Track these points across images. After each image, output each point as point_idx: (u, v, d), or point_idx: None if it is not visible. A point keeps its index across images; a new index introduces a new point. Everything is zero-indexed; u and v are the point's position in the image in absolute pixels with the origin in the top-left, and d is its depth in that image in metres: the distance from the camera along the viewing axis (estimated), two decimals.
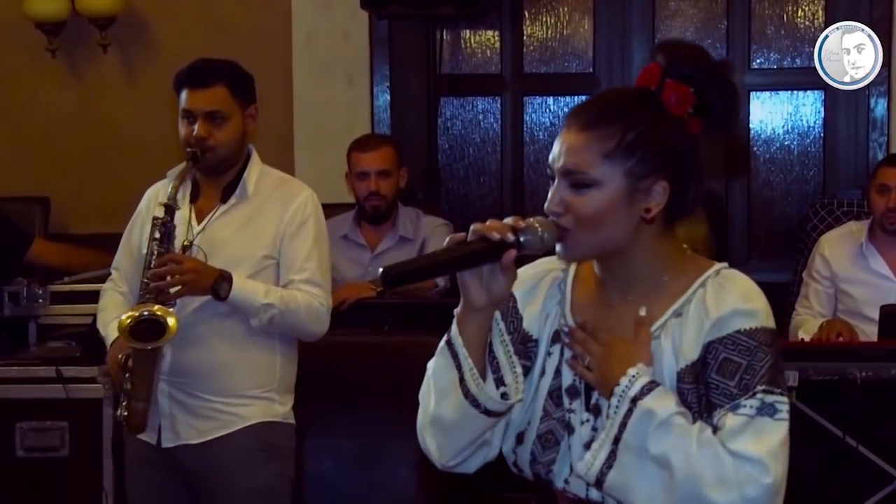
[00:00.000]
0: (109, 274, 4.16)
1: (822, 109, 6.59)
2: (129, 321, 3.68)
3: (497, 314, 2.24)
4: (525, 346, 2.30)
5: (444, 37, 6.64)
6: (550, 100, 6.76)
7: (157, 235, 3.77)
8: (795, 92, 6.62)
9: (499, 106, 6.80)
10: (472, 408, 2.19)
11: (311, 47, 6.53)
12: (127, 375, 3.77)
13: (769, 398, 2.11)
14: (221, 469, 3.87)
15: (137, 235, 4.00)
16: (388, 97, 6.59)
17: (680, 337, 2.18)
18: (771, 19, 6.62)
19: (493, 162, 6.83)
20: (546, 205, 2.21)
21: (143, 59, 6.68)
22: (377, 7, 6.16)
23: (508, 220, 2.17)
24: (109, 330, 3.92)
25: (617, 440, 2.12)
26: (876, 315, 4.94)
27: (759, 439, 2.08)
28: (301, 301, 3.85)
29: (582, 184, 2.17)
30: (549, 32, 6.75)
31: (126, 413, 3.79)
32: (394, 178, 5.53)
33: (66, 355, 4.89)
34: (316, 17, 6.53)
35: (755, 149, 6.66)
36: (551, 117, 6.76)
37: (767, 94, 6.66)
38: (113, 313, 3.94)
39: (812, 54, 6.37)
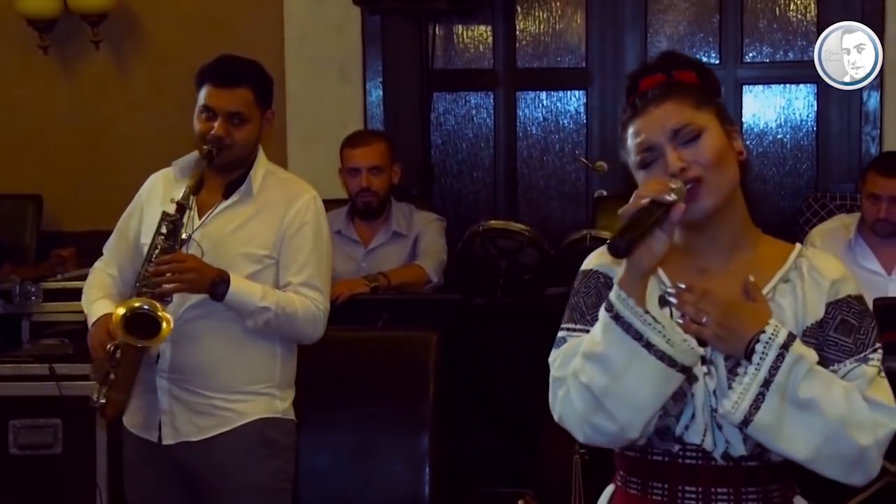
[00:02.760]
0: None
1: (815, 103, 6.61)
2: (126, 312, 3.65)
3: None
4: None
5: (437, 32, 6.64)
6: (543, 94, 6.77)
7: (164, 231, 3.73)
8: (788, 86, 6.64)
9: (492, 101, 6.82)
10: (669, 368, 2.27)
11: (304, 43, 6.54)
12: (112, 365, 3.72)
13: (881, 355, 2.41)
14: (222, 466, 3.82)
15: (136, 223, 3.97)
16: (381, 92, 6.59)
17: (802, 298, 2.41)
18: (763, 13, 6.63)
19: (487, 157, 6.84)
20: (669, 168, 2.34)
21: (135, 56, 6.69)
22: (370, 3, 6.17)
23: (658, 182, 2.30)
24: (94, 308, 3.87)
25: (767, 383, 2.28)
26: None
27: (886, 389, 2.36)
28: (298, 305, 3.82)
29: (693, 134, 2.38)
30: (542, 27, 6.76)
31: (104, 401, 3.71)
32: (386, 174, 5.51)
33: (59, 352, 4.89)
34: (309, 13, 6.53)
35: (748, 142, 6.66)
36: (544, 112, 6.78)
37: (760, 87, 6.68)
38: (99, 293, 3.91)
39: (805, 48, 6.50)
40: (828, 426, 2.28)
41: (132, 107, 6.61)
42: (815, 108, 6.61)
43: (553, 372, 2.39)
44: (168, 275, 3.69)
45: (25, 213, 6.35)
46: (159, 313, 3.65)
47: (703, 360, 2.36)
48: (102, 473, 4.76)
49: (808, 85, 6.56)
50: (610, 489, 2.54)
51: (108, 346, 3.72)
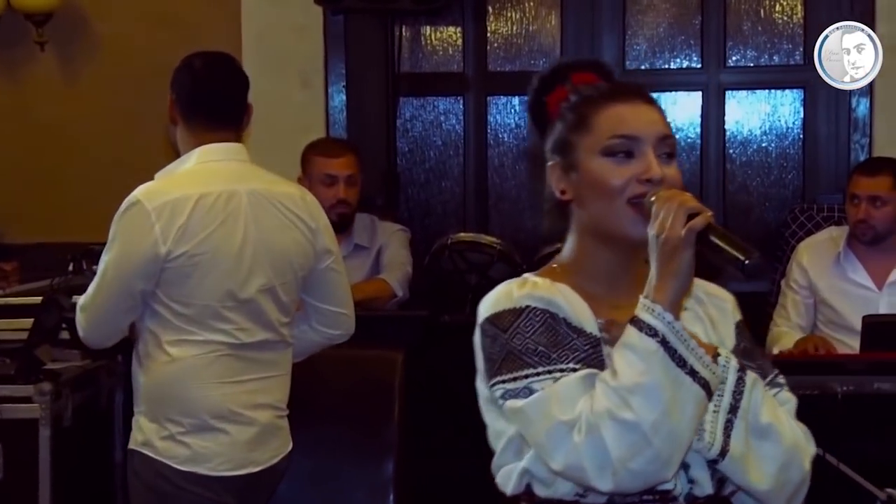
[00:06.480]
0: (45, 288, 4.24)
1: (802, 109, 6.59)
2: None
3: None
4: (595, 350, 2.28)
5: (403, 33, 6.64)
6: (516, 100, 6.73)
7: None
8: (773, 91, 6.62)
9: (461, 106, 6.80)
10: (706, 398, 2.17)
11: (263, 44, 6.48)
12: None
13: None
14: None
15: None
16: (345, 97, 6.57)
17: (710, 324, 2.35)
18: (748, 14, 6.62)
19: (456, 165, 6.82)
20: (652, 173, 2.24)
21: (83, 57, 6.64)
22: (332, 2, 6.17)
23: (680, 203, 2.21)
24: None
25: (734, 409, 2.21)
26: (857, 326, 4.85)
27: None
28: None
29: (673, 153, 2.30)
30: (515, 28, 6.75)
31: None
32: (358, 185, 5.46)
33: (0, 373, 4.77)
34: (267, 12, 6.50)
35: (731, 151, 6.66)
36: (516, 118, 6.76)
37: (744, 93, 6.66)
38: None
39: (791, 51, 6.59)
40: (784, 453, 2.24)
41: (81, 111, 6.56)
42: (802, 115, 6.59)
43: (558, 416, 2.14)
44: None
45: None
46: None
47: None
48: (46, 500, 4.63)
49: (795, 90, 6.56)
50: None
51: None
